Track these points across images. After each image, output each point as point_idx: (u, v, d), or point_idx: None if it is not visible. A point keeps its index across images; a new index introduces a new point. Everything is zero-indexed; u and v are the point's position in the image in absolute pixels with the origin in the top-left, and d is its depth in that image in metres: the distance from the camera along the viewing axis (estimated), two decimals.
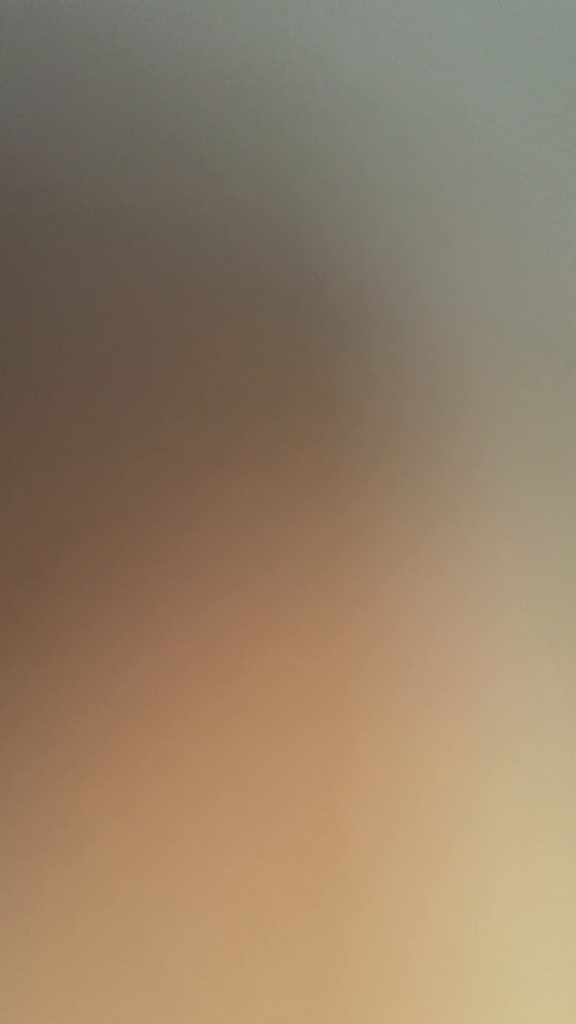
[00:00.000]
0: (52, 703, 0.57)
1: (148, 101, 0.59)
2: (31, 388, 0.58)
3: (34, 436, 0.58)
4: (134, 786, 0.57)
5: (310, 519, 0.60)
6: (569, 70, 0.63)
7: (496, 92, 0.63)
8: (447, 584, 0.61)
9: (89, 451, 0.58)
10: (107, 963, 0.57)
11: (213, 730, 0.58)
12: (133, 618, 0.58)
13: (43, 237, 0.58)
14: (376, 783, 0.60)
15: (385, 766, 0.60)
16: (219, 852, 0.58)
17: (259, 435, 0.59)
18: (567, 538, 0.62)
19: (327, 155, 0.61)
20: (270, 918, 0.58)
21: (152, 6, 0.60)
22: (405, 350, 0.61)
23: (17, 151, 0.58)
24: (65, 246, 0.58)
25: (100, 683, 0.57)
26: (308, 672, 0.59)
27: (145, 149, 0.59)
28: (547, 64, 0.63)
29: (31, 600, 0.57)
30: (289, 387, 0.60)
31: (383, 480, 0.61)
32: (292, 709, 0.59)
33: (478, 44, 0.62)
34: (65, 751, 0.57)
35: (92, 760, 0.57)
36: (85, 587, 0.58)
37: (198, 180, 0.60)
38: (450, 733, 0.60)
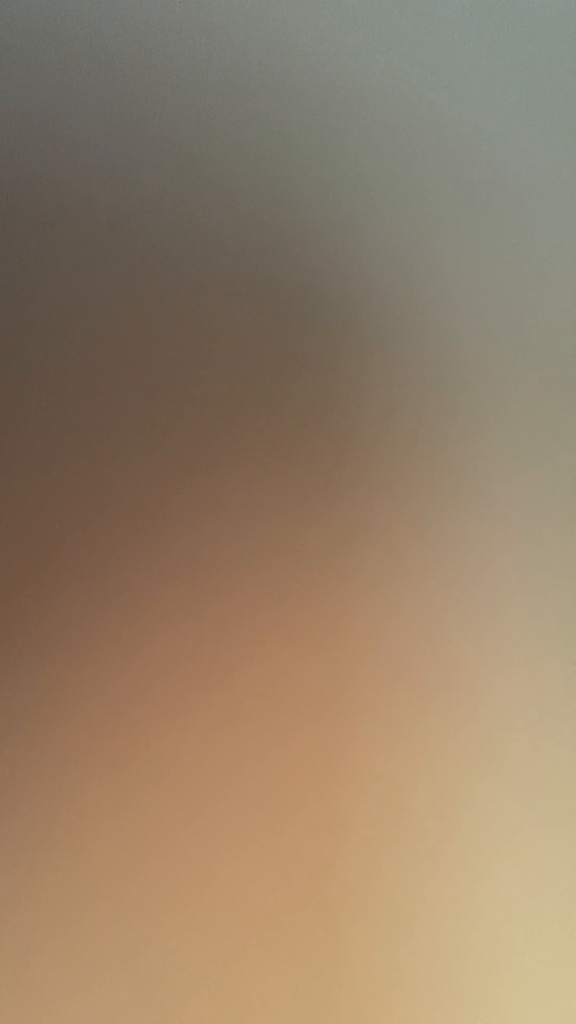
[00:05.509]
0: (52, 701, 0.57)
1: (148, 106, 0.59)
2: (33, 390, 0.58)
3: (35, 437, 0.58)
4: (133, 784, 0.57)
5: (308, 519, 0.60)
6: (567, 76, 0.64)
7: (494, 98, 0.63)
8: (444, 583, 0.61)
9: (88, 452, 0.58)
10: (106, 960, 0.57)
11: (212, 728, 0.58)
12: (132, 617, 0.58)
13: (44, 241, 0.58)
14: (374, 781, 0.60)
15: (383, 764, 0.60)
16: (218, 850, 0.58)
17: (257, 437, 0.60)
18: (562, 537, 0.62)
19: (325, 160, 0.61)
20: (269, 915, 0.58)
21: (152, 8, 0.60)
22: (401, 352, 0.61)
23: (18, 155, 0.58)
24: (65, 249, 0.58)
25: (99, 682, 0.57)
26: (306, 671, 0.59)
27: (144, 154, 0.59)
28: (545, 70, 0.63)
29: (30, 599, 0.57)
30: (287, 389, 0.60)
31: (379, 481, 0.61)
32: (291, 708, 0.59)
33: (478, 50, 0.63)
34: (64, 749, 0.57)
35: (91, 758, 0.57)
36: (84, 586, 0.58)
37: (197, 185, 0.60)
38: (448, 731, 0.61)
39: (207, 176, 0.60)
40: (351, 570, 0.60)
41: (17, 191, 0.58)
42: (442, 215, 0.62)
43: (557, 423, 0.63)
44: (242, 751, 0.59)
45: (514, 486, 0.62)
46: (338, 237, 0.61)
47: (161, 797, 0.58)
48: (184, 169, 0.60)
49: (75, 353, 0.58)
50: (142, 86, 0.59)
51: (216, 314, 0.60)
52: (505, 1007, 0.60)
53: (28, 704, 0.57)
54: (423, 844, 0.60)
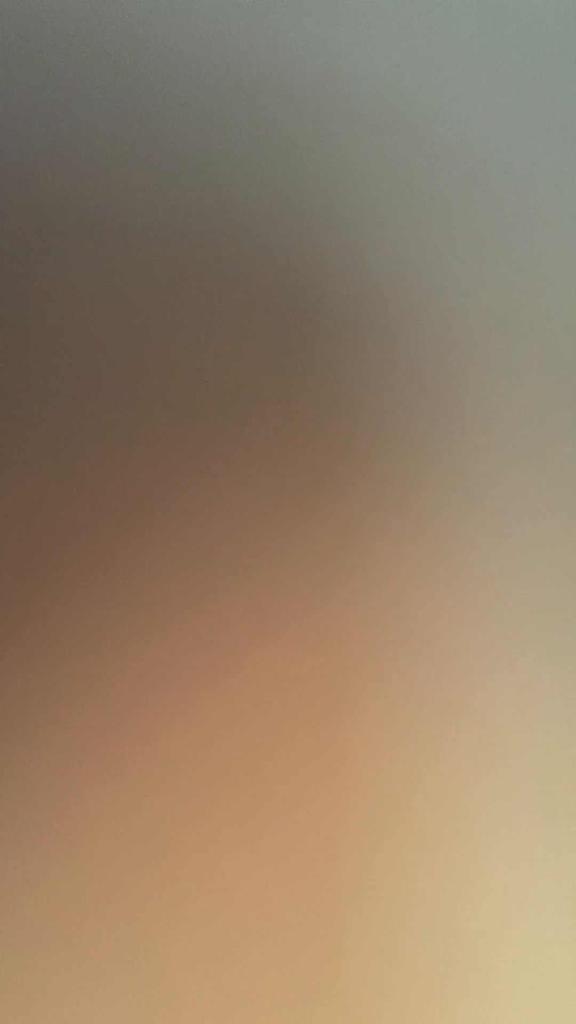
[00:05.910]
0: (52, 701, 0.57)
1: (148, 106, 0.59)
2: (32, 390, 0.58)
3: (34, 437, 0.58)
4: (133, 784, 0.57)
5: (307, 520, 0.60)
6: (568, 76, 0.64)
7: (495, 98, 0.63)
8: (443, 583, 0.61)
9: (87, 452, 0.58)
10: (105, 960, 0.57)
11: (212, 728, 0.58)
12: (132, 617, 0.58)
13: (43, 240, 0.58)
14: (374, 782, 0.60)
15: (383, 765, 0.60)
16: (217, 849, 0.58)
17: (257, 437, 0.60)
18: (562, 538, 0.62)
19: (325, 160, 0.61)
20: (268, 914, 0.59)
21: (152, 9, 0.60)
22: (400, 354, 0.61)
23: (17, 153, 0.58)
24: (64, 249, 0.58)
25: (99, 681, 0.57)
26: (306, 671, 0.59)
27: (143, 153, 0.59)
28: (544, 72, 0.63)
29: (30, 597, 0.57)
30: (287, 389, 0.60)
31: (379, 481, 0.61)
32: (290, 707, 0.59)
33: (477, 52, 0.63)
34: (64, 747, 0.57)
35: (91, 756, 0.57)
36: (84, 585, 0.58)
37: (197, 186, 0.60)
38: (447, 731, 0.61)
39: (206, 176, 0.60)
40: (351, 570, 0.60)
41: (16, 190, 0.58)
42: (442, 215, 0.62)
43: (557, 423, 0.63)
44: (242, 751, 0.59)
45: (514, 486, 0.62)
46: (338, 237, 0.61)
47: (161, 797, 0.58)
48: (183, 169, 0.60)
49: (74, 353, 0.58)
50: (141, 85, 0.59)
51: (216, 314, 0.60)
52: (504, 1005, 0.60)
53: (28, 704, 0.57)
54: (423, 844, 0.60)
